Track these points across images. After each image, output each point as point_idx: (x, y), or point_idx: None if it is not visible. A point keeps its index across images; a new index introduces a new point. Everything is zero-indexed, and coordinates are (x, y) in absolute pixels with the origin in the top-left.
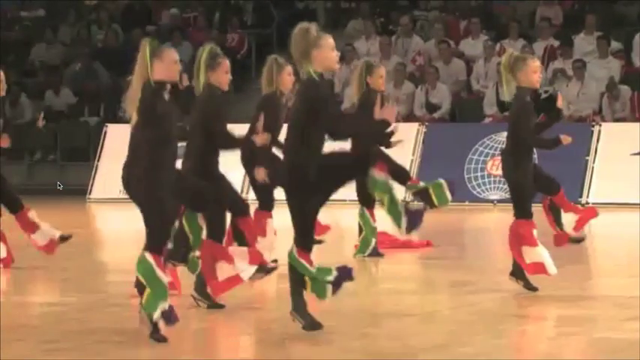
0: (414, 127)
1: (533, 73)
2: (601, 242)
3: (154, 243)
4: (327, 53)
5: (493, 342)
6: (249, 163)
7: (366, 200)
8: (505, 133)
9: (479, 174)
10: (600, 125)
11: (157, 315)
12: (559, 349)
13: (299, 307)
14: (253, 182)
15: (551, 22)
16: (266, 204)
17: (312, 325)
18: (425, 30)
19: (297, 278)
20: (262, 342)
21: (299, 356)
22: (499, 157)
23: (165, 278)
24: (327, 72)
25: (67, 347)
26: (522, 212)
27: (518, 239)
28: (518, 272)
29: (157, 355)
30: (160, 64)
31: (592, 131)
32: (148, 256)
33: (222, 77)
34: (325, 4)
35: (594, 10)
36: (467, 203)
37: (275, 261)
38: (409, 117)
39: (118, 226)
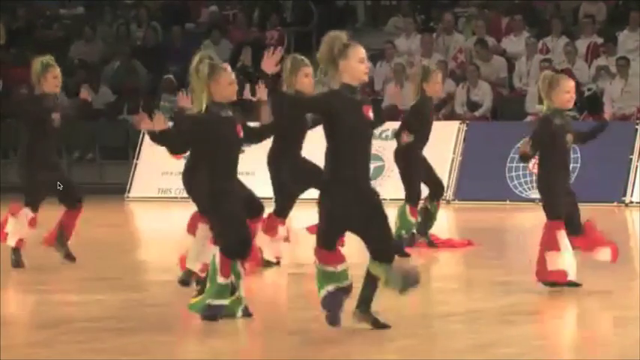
0: (454, 125)
1: (566, 93)
2: None
3: (221, 244)
4: (354, 64)
5: (535, 342)
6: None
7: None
8: None
9: (520, 172)
10: None
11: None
12: (602, 350)
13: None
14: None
15: (595, 19)
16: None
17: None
18: (466, 27)
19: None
20: (307, 342)
21: (345, 356)
22: None
23: (226, 280)
24: (356, 82)
25: (105, 347)
26: (550, 212)
27: (544, 244)
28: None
29: (201, 355)
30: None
31: (636, 129)
32: (216, 256)
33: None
34: (365, 2)
35: (638, 6)
36: (508, 202)
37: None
38: (450, 115)
39: (156, 224)
